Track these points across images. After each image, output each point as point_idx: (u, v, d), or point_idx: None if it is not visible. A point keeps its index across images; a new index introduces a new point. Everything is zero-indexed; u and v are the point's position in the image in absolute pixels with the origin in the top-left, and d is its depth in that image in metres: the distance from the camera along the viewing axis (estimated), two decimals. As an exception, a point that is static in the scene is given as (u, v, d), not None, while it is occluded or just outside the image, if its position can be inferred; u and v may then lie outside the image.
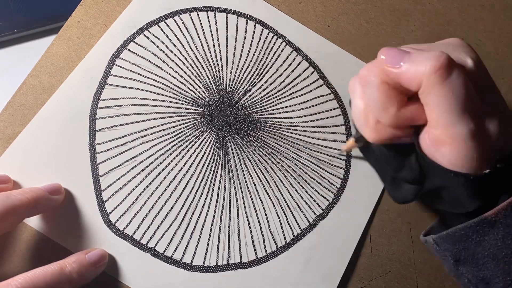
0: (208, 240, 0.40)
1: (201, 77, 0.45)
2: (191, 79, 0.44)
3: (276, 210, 0.42)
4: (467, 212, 0.32)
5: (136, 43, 0.44)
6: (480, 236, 0.31)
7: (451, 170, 0.30)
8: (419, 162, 0.32)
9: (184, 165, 0.42)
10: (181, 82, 0.44)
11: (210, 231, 0.41)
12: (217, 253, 0.40)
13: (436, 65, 0.28)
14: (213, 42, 0.46)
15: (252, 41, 0.46)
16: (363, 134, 0.34)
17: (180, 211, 0.41)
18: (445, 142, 0.29)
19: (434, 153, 0.30)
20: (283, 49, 0.46)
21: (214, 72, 0.45)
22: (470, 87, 0.28)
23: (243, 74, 0.45)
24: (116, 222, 0.40)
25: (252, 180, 0.42)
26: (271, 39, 0.46)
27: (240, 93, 0.45)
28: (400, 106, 0.30)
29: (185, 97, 0.44)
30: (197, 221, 0.41)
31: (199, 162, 0.42)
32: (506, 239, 0.30)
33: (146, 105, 0.43)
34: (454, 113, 0.28)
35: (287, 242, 0.41)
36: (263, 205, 0.42)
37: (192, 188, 0.42)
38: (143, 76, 0.44)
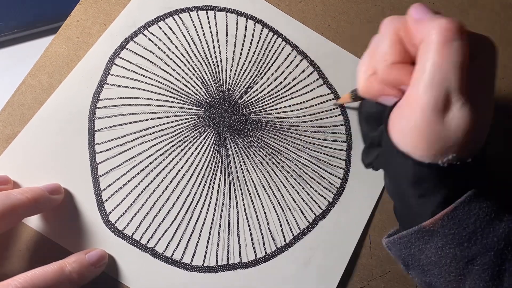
0: (208, 240, 0.40)
1: (201, 76, 0.45)
2: (191, 78, 0.44)
3: (275, 210, 0.42)
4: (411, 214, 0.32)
5: (136, 43, 0.44)
6: (422, 244, 0.31)
7: (396, 148, 0.30)
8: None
9: (184, 165, 0.42)
10: (180, 82, 0.44)
11: (210, 231, 0.41)
12: (217, 253, 0.40)
13: (446, 25, 0.27)
14: (213, 42, 0.46)
15: (252, 40, 0.46)
16: (357, 83, 0.34)
17: (179, 211, 0.41)
18: (410, 103, 0.29)
19: (396, 114, 0.30)
20: (283, 49, 0.46)
21: (214, 71, 0.45)
22: (465, 66, 0.27)
23: (243, 73, 0.45)
24: (115, 222, 0.40)
25: (252, 180, 0.42)
26: (271, 39, 0.46)
27: (240, 93, 0.45)
28: (398, 59, 0.30)
29: (185, 96, 0.44)
30: (196, 221, 0.41)
31: (199, 162, 0.42)
32: (444, 248, 0.30)
33: (146, 104, 0.43)
34: (434, 78, 0.27)
35: (287, 242, 0.41)
36: (262, 205, 0.42)
37: (192, 188, 0.42)
38: (143, 75, 0.44)
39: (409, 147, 0.30)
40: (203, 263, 0.40)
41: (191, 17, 0.46)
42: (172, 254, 0.40)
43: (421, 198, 0.31)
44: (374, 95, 0.32)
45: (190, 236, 0.40)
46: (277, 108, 0.45)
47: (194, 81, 0.44)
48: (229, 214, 0.41)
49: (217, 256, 0.40)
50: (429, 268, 0.32)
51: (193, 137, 0.43)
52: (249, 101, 0.44)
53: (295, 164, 0.43)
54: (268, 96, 0.45)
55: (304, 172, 0.43)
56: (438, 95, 0.27)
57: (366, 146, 0.36)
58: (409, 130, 0.29)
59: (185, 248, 0.40)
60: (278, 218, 0.42)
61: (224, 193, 0.42)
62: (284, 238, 0.41)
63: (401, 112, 0.30)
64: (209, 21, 0.46)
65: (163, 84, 0.44)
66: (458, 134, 0.28)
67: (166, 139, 0.42)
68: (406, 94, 0.29)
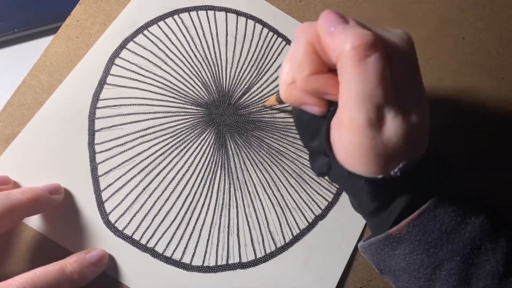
0: (208, 240, 0.41)
1: (201, 76, 0.45)
2: (191, 78, 0.44)
3: (275, 210, 0.42)
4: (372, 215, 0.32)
5: (136, 43, 0.44)
6: (390, 251, 0.31)
7: (346, 169, 0.29)
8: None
9: (184, 165, 0.42)
10: (180, 82, 0.44)
11: (210, 231, 0.41)
12: (216, 253, 0.40)
13: (357, 42, 0.26)
14: (213, 41, 0.46)
15: (252, 40, 0.46)
16: (279, 91, 0.33)
17: (179, 211, 0.41)
18: (345, 124, 0.28)
19: (335, 135, 0.29)
20: (283, 48, 0.46)
21: (214, 71, 0.45)
22: (386, 77, 0.27)
23: (243, 73, 0.45)
24: (115, 222, 0.40)
25: (252, 180, 0.42)
26: (271, 38, 0.46)
27: (240, 93, 0.45)
28: (315, 71, 0.29)
29: (185, 96, 0.44)
30: (196, 221, 0.41)
31: (199, 162, 0.42)
32: (412, 255, 0.30)
33: (146, 104, 0.43)
34: (359, 96, 0.27)
35: (286, 242, 0.41)
36: (262, 205, 0.42)
37: (192, 188, 0.42)
38: (143, 75, 0.44)
39: (357, 166, 0.29)
40: (203, 263, 0.40)
41: (191, 17, 0.46)
42: (172, 254, 0.40)
43: (382, 211, 0.31)
44: (296, 103, 0.32)
45: (190, 236, 0.40)
46: (277, 108, 0.45)
47: (194, 81, 0.44)
48: (229, 214, 0.41)
49: (216, 256, 0.40)
50: (399, 273, 0.32)
51: (193, 137, 0.43)
52: (249, 101, 0.44)
53: (295, 164, 0.43)
54: (268, 96, 0.45)
55: (304, 172, 0.43)
56: (369, 111, 0.27)
57: (310, 155, 0.35)
58: (353, 148, 0.28)
59: (185, 248, 0.40)
60: (278, 218, 0.42)
61: (224, 193, 0.42)
62: (284, 238, 0.41)
63: (340, 132, 0.29)
64: (209, 21, 0.46)
65: (163, 84, 0.44)
66: (399, 143, 0.28)
67: (166, 139, 0.43)
68: (339, 114, 0.29)
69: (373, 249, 0.32)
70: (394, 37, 0.29)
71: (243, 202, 0.42)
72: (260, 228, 0.41)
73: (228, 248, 0.41)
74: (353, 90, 0.27)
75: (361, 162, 0.28)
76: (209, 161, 0.43)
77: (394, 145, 0.28)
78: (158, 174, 0.42)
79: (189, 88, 0.44)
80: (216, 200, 0.42)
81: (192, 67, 0.45)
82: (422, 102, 0.30)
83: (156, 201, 0.41)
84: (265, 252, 0.41)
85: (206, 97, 0.44)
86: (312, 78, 0.29)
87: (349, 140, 0.28)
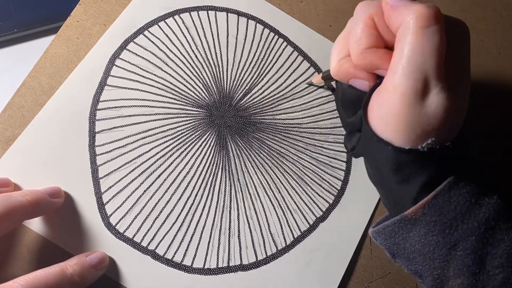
0: (209, 242, 0.41)
1: (202, 77, 0.44)
2: (191, 79, 0.44)
3: (276, 212, 0.42)
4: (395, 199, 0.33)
5: (136, 43, 0.44)
6: (405, 233, 0.32)
7: (375, 135, 0.30)
8: None
9: (184, 167, 0.42)
10: (181, 83, 0.44)
11: (211, 233, 0.41)
12: (218, 256, 0.40)
13: (423, 11, 0.28)
14: (214, 42, 0.45)
15: (253, 41, 0.46)
16: (330, 65, 0.34)
17: (180, 213, 0.41)
18: (388, 90, 0.29)
19: (374, 102, 0.31)
20: (284, 49, 0.46)
21: (215, 72, 0.45)
22: (442, 51, 0.28)
23: (244, 74, 0.45)
24: (116, 224, 0.40)
25: (253, 182, 0.42)
26: (272, 39, 0.46)
27: (241, 94, 0.44)
28: (372, 44, 0.30)
29: (185, 98, 0.44)
30: (197, 223, 0.41)
31: (200, 163, 0.42)
32: (427, 236, 0.31)
33: (146, 106, 0.43)
34: (410, 64, 0.28)
35: (287, 244, 0.41)
36: (263, 207, 0.42)
37: (193, 190, 0.42)
38: (143, 76, 0.43)
39: (388, 133, 0.30)
40: (204, 266, 0.40)
41: (191, 17, 0.46)
42: (173, 257, 0.40)
43: (402, 184, 0.31)
44: (346, 77, 0.33)
45: (191, 238, 0.40)
46: (278, 110, 0.44)
47: (195, 82, 0.44)
48: (230, 216, 0.41)
49: (217, 258, 0.40)
50: (414, 256, 0.32)
51: (194, 139, 0.43)
52: (250, 103, 0.44)
53: (296, 165, 0.43)
54: (269, 98, 0.45)
55: (305, 173, 0.43)
56: (417, 80, 0.28)
57: (347, 132, 0.36)
58: (389, 115, 0.29)
59: (186, 250, 0.40)
60: (279, 220, 0.42)
61: (224, 195, 0.42)
62: (285, 240, 0.41)
63: (381, 98, 0.30)
64: (210, 22, 0.46)
65: (164, 85, 0.44)
66: (437, 118, 0.29)
67: (166, 141, 0.42)
68: (385, 80, 0.30)
69: (387, 233, 0.33)
70: (452, 18, 0.31)
71: (244, 204, 0.42)
72: (261, 230, 0.41)
73: (229, 250, 0.41)
74: (406, 57, 0.28)
75: (394, 130, 0.29)
76: (210, 163, 0.42)
77: (432, 119, 0.29)
78: (159, 176, 0.41)
79: (190, 90, 0.44)
80: (217, 202, 0.42)
81: (193, 68, 0.44)
82: (467, 85, 0.31)
83: (157, 203, 0.41)
84: (266, 254, 0.41)
85: (207, 98, 0.44)
86: (368, 52, 0.30)
87: (389, 107, 0.29)
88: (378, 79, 0.31)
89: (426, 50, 0.27)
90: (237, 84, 0.45)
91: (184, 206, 0.41)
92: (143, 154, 0.42)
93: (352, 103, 0.34)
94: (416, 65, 0.28)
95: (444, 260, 0.31)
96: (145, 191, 0.41)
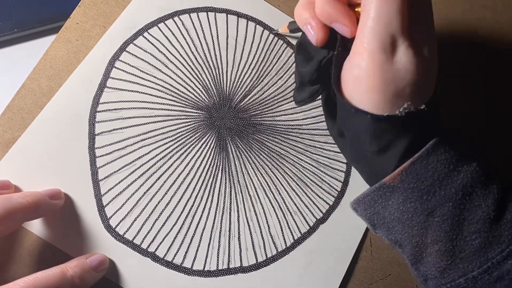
0: (209, 244, 0.40)
1: (201, 79, 0.44)
2: (191, 81, 0.44)
3: (276, 213, 0.42)
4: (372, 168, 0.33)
5: (136, 45, 0.44)
6: (384, 201, 0.32)
7: (353, 106, 0.31)
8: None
9: (184, 168, 0.42)
10: (181, 85, 0.44)
11: (211, 235, 0.41)
12: (218, 258, 0.40)
13: None
14: (213, 44, 0.45)
15: (252, 42, 0.46)
16: (294, 12, 0.35)
17: (180, 215, 0.41)
18: (358, 51, 0.30)
19: (345, 70, 0.31)
20: (283, 51, 0.46)
21: (214, 74, 0.45)
22: (405, 8, 0.29)
23: (244, 76, 0.45)
24: (116, 226, 0.40)
25: (253, 183, 0.42)
26: (272, 40, 0.46)
27: (241, 96, 0.44)
28: None
29: (185, 99, 0.44)
30: (197, 225, 0.41)
31: (199, 165, 0.42)
32: (406, 203, 0.31)
33: (146, 108, 0.43)
34: (376, 23, 0.29)
35: (288, 246, 0.41)
36: (263, 208, 0.42)
37: (192, 192, 0.42)
38: (143, 78, 0.43)
39: (364, 98, 0.30)
40: (204, 268, 0.40)
41: (191, 19, 0.46)
42: (173, 259, 0.40)
43: (382, 153, 0.32)
44: (328, 19, 0.33)
45: (191, 240, 0.40)
46: (278, 111, 0.44)
47: (194, 84, 0.44)
48: (230, 218, 0.41)
49: (218, 260, 0.40)
50: (394, 225, 0.32)
51: (194, 141, 0.43)
52: (250, 104, 0.44)
53: (296, 167, 0.43)
54: (269, 99, 0.44)
55: (305, 175, 0.43)
56: (385, 40, 0.29)
57: (298, 85, 0.37)
58: (362, 77, 0.30)
59: (186, 252, 0.40)
60: (279, 221, 0.42)
61: (224, 196, 0.42)
62: (285, 241, 0.41)
63: (352, 62, 0.30)
64: (209, 23, 0.46)
65: (164, 87, 0.44)
66: (408, 72, 0.29)
67: (166, 143, 0.42)
68: (354, 43, 0.30)
69: (367, 202, 0.33)
70: None
71: (244, 206, 0.42)
72: (261, 232, 0.41)
73: (229, 252, 0.40)
74: (372, 17, 0.29)
75: (370, 90, 0.30)
76: (210, 164, 0.42)
77: (403, 74, 0.29)
78: (158, 178, 0.41)
79: (189, 91, 0.44)
80: (217, 204, 0.42)
81: (192, 69, 0.44)
82: (433, 42, 0.31)
83: (156, 205, 0.41)
84: (266, 256, 0.41)
85: (206, 100, 0.44)
86: (329, 3, 0.31)
87: (361, 68, 0.30)
88: (339, 48, 0.32)
89: (391, 7, 0.28)
90: (237, 86, 0.44)
91: (184, 208, 0.41)
92: (143, 156, 0.42)
93: (306, 48, 0.35)
94: (382, 24, 0.29)
95: (422, 227, 0.31)
96: (145, 193, 0.41)
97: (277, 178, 0.43)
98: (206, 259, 0.40)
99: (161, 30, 0.45)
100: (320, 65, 0.34)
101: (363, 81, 0.30)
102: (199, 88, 0.44)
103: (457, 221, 0.30)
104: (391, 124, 0.30)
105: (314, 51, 0.34)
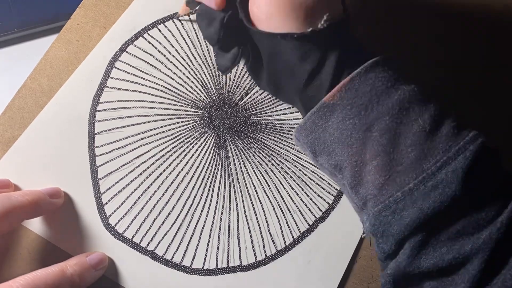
0: (208, 243, 0.41)
1: (201, 79, 0.45)
2: (191, 81, 0.44)
3: (276, 212, 0.42)
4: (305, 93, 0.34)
5: (136, 46, 0.44)
6: (324, 122, 0.32)
7: (277, 34, 0.31)
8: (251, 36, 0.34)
9: (184, 167, 0.42)
10: (180, 84, 0.44)
11: (210, 234, 0.41)
12: (217, 256, 0.40)
13: None
14: (213, 44, 0.46)
15: (251, 42, 0.46)
16: None
17: (179, 213, 0.41)
18: None
19: (253, 4, 0.32)
20: (283, 51, 0.46)
21: (214, 74, 0.45)
22: None
23: (243, 75, 0.45)
24: (115, 225, 0.40)
25: (252, 182, 0.42)
26: (271, 41, 0.46)
27: (240, 95, 0.45)
28: None
29: (185, 99, 0.44)
30: (196, 224, 0.41)
31: (199, 164, 0.42)
32: (345, 121, 0.31)
33: (146, 107, 0.43)
34: None
35: (287, 244, 0.41)
36: (262, 207, 0.42)
37: (192, 191, 0.42)
38: (143, 78, 0.44)
39: (280, 20, 0.31)
40: (203, 266, 0.40)
41: (191, 20, 0.46)
42: (172, 257, 0.40)
43: (314, 76, 0.32)
44: None
45: (190, 239, 0.40)
46: (277, 110, 0.44)
47: (194, 83, 0.44)
48: (229, 216, 0.41)
49: (217, 259, 0.40)
50: (334, 147, 0.32)
51: (193, 140, 0.43)
52: (249, 103, 0.44)
53: (295, 166, 0.43)
54: (268, 98, 0.45)
55: (305, 174, 0.43)
56: None
57: (214, 52, 0.38)
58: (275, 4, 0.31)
59: (185, 251, 0.40)
60: (278, 220, 0.42)
61: (224, 195, 0.42)
62: (284, 240, 0.41)
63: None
64: (209, 24, 0.46)
65: (163, 86, 0.44)
66: None
67: (166, 142, 0.43)
68: None
69: (308, 127, 0.33)
70: None
71: (243, 205, 0.42)
72: (260, 231, 0.41)
73: (228, 251, 0.40)
74: None
75: (283, 12, 0.31)
76: (209, 163, 0.43)
77: None
78: (158, 177, 0.42)
79: (189, 91, 0.44)
80: (216, 203, 0.42)
81: (192, 69, 0.45)
82: None
83: (156, 204, 0.41)
84: (265, 254, 0.41)
85: (206, 99, 0.44)
86: None
87: None
88: None
89: None
90: (236, 85, 0.45)
91: (183, 207, 0.41)
92: (143, 154, 0.42)
93: (205, 14, 0.36)
94: None
95: (361, 143, 0.31)
96: (144, 191, 0.41)
97: (276, 177, 0.43)
98: (205, 257, 0.40)
99: (161, 31, 0.45)
100: (223, 22, 0.34)
101: (272, 3, 0.31)
102: (198, 88, 0.44)
103: (394, 134, 0.31)
104: (316, 41, 0.31)
105: (214, 14, 0.35)
